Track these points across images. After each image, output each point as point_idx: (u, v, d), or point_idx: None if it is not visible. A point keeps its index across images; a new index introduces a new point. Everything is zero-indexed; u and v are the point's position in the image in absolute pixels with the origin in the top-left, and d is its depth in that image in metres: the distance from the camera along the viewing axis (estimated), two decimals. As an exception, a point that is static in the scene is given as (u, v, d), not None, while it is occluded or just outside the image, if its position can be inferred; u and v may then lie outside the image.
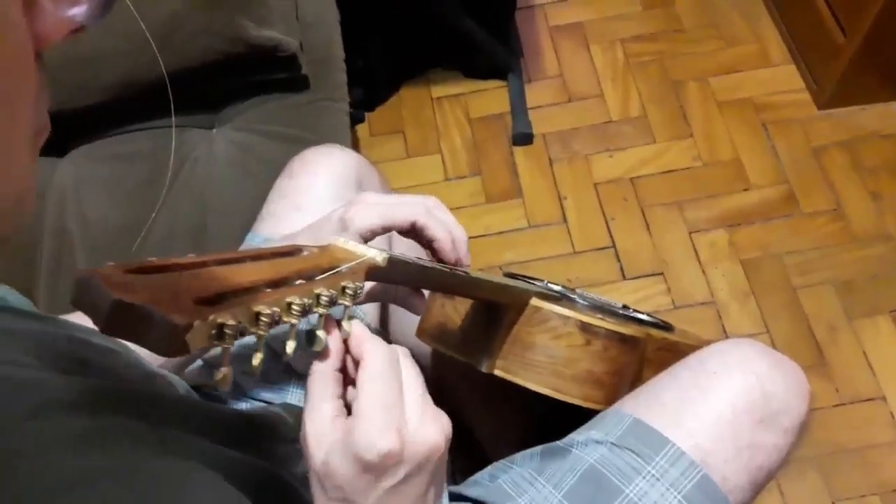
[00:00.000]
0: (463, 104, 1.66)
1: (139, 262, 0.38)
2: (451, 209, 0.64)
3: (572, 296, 0.91)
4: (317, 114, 1.12)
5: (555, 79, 1.67)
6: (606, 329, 0.73)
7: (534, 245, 1.48)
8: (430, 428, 0.43)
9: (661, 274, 1.43)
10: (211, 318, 0.35)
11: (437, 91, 1.67)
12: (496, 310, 0.73)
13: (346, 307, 0.44)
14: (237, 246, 0.87)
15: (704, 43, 1.69)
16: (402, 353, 0.45)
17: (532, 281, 0.99)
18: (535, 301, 0.72)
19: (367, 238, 0.61)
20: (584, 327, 0.72)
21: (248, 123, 1.11)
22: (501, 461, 0.75)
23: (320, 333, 0.43)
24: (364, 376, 0.43)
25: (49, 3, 0.29)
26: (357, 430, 0.41)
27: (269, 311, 0.37)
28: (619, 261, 1.45)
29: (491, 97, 1.66)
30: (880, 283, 1.39)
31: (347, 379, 0.45)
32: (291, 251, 0.47)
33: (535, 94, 1.65)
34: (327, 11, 1.21)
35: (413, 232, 0.62)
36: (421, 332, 0.80)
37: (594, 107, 1.63)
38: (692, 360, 0.71)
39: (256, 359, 0.38)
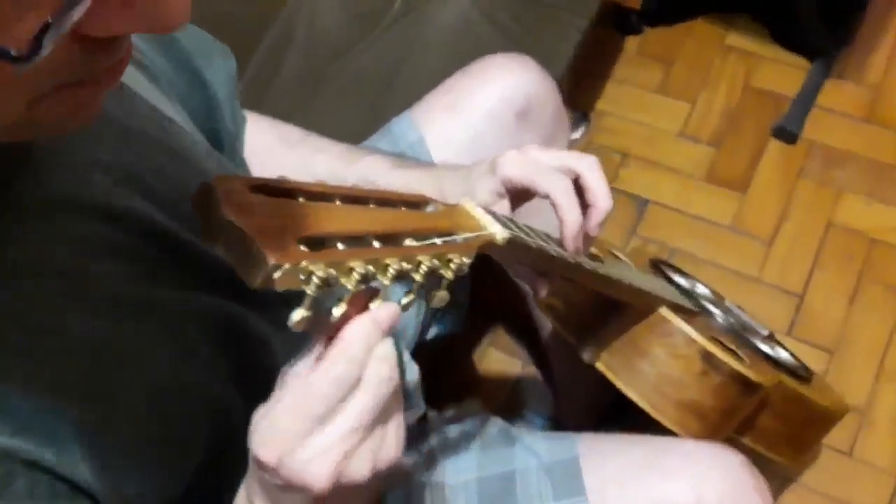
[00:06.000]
0: (750, 65, 1.46)
1: (265, 181, 0.37)
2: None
3: (716, 309, 0.84)
4: (547, 20, 1.06)
5: (867, 88, 1.40)
6: (731, 368, 0.67)
7: (721, 249, 1.33)
8: (316, 470, 0.37)
9: (830, 352, 1.24)
10: (304, 263, 0.34)
11: (732, 39, 1.48)
12: (619, 303, 0.69)
13: (444, 281, 0.41)
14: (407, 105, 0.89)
15: None
16: (379, 378, 0.38)
17: (682, 277, 0.91)
18: (664, 311, 0.68)
19: (507, 188, 0.58)
20: (707, 357, 0.67)
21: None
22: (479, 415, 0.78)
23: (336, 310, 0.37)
24: (313, 373, 0.38)
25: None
26: (259, 424, 0.39)
27: (363, 270, 0.36)
28: (796, 313, 1.28)
29: (784, 73, 1.44)
30: None
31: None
32: (418, 202, 0.46)
33: (834, 93, 1.41)
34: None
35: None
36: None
37: (891, 141, 1.36)
38: (659, 442, 0.69)
39: (298, 314, 0.35)
